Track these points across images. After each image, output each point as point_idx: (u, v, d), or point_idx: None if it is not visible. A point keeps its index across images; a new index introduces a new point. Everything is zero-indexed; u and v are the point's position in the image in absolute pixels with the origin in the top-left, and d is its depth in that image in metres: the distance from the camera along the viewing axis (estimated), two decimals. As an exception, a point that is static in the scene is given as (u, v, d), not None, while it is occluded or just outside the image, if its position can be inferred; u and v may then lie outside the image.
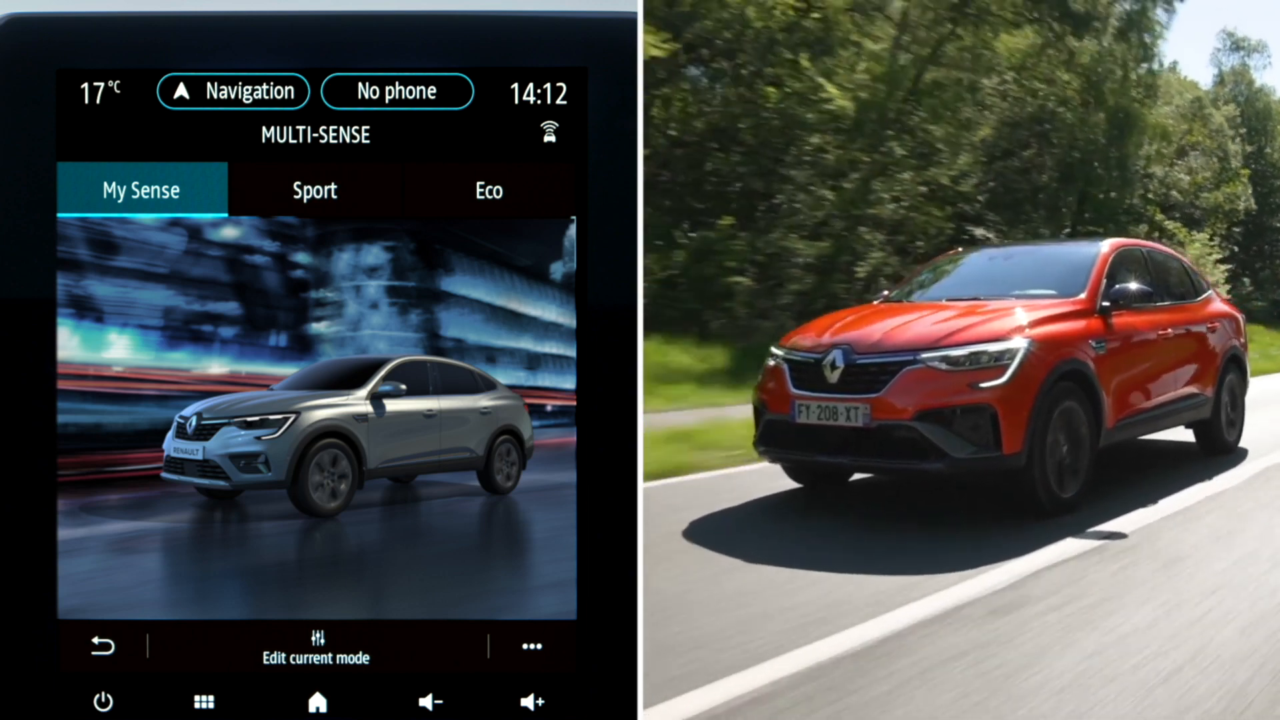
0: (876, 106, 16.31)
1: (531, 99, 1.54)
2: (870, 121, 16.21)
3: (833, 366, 4.65)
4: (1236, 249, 28.29)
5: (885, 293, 6.46)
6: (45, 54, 1.51)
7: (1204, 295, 6.74)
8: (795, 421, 4.67)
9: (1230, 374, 6.62)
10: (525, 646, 1.54)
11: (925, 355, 4.51)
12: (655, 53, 12.12)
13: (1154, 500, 4.97)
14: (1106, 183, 21.76)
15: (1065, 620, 3.06)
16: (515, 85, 1.54)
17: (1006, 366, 4.48)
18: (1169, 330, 5.85)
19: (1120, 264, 5.69)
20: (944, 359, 4.48)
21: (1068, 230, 20.64)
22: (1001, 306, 5.11)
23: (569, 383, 1.54)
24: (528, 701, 1.53)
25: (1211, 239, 25.30)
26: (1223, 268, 24.54)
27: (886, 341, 4.70)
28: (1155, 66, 23.35)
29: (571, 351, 1.54)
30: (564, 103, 1.54)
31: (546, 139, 1.54)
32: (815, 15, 15.71)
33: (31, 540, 1.50)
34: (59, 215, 1.52)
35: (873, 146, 16.36)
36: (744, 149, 15.63)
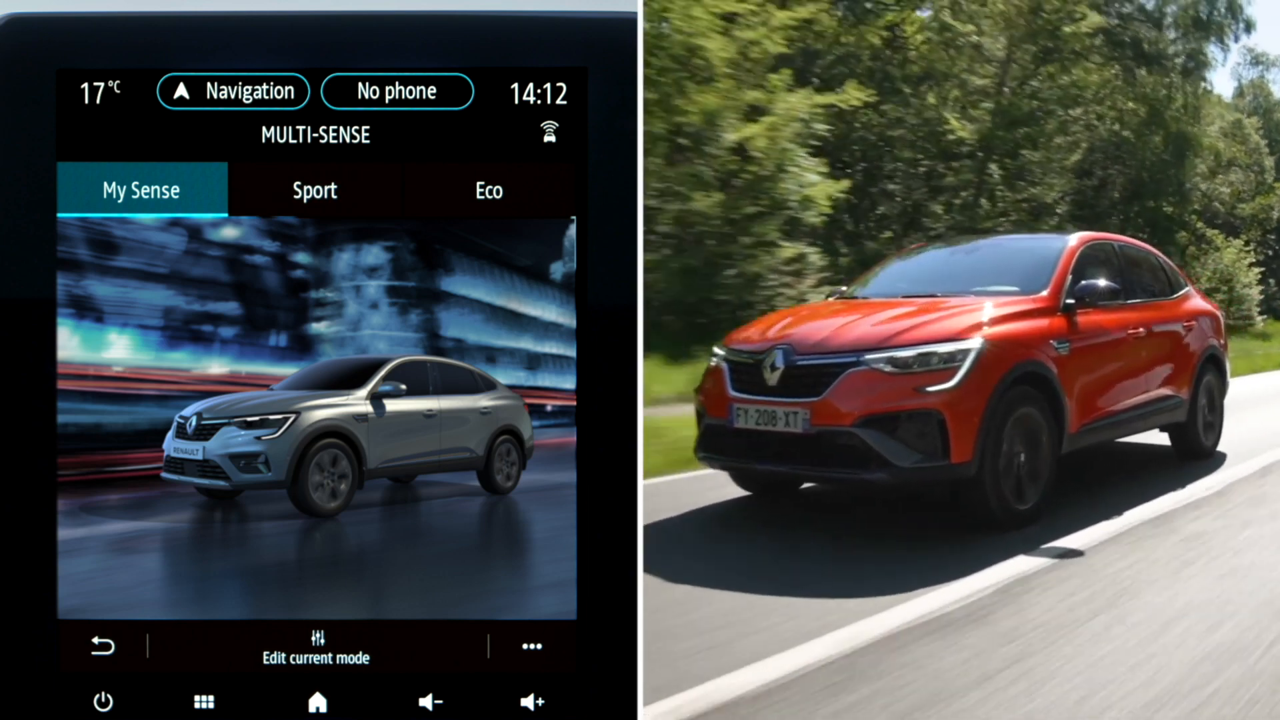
0: (987, 134, 19.97)
1: (531, 99, 1.54)
2: (980, 146, 19.96)
3: (772, 367, 4.32)
4: (1271, 254, 30.26)
5: (842, 288, 6.09)
6: (45, 54, 1.51)
7: (1180, 292, 6.36)
8: (733, 426, 4.36)
9: (1208, 375, 6.25)
10: (525, 646, 1.54)
11: (869, 356, 4.19)
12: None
13: (1119, 511, 4.63)
14: (1165, 197, 24.97)
15: (986, 660, 2.75)
16: (515, 85, 1.54)
17: (957, 369, 4.14)
18: (1140, 329, 5.49)
19: (1088, 259, 5.34)
20: (889, 360, 4.17)
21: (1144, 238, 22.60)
22: (957, 304, 4.76)
23: (569, 383, 1.54)
24: (528, 701, 1.53)
25: (1246, 244, 26.90)
26: (1255, 271, 25.97)
27: (829, 341, 4.38)
28: (1200, 91, 26.81)
29: (571, 351, 1.54)
30: (564, 103, 1.54)
31: (546, 139, 1.54)
32: (914, 51, 19.17)
33: (31, 540, 1.50)
34: (59, 215, 1.52)
35: (980, 169, 20.20)
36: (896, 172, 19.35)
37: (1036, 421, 4.48)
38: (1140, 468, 5.99)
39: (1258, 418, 8.61)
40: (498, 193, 1.55)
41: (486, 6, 1.56)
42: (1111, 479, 5.58)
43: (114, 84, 1.52)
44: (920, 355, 4.18)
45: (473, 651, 1.54)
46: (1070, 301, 4.92)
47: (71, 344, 1.54)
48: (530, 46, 1.54)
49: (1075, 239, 5.41)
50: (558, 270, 1.56)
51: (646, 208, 9.46)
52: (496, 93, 1.53)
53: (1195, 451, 6.14)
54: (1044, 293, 4.90)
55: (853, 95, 13.47)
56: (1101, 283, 5.12)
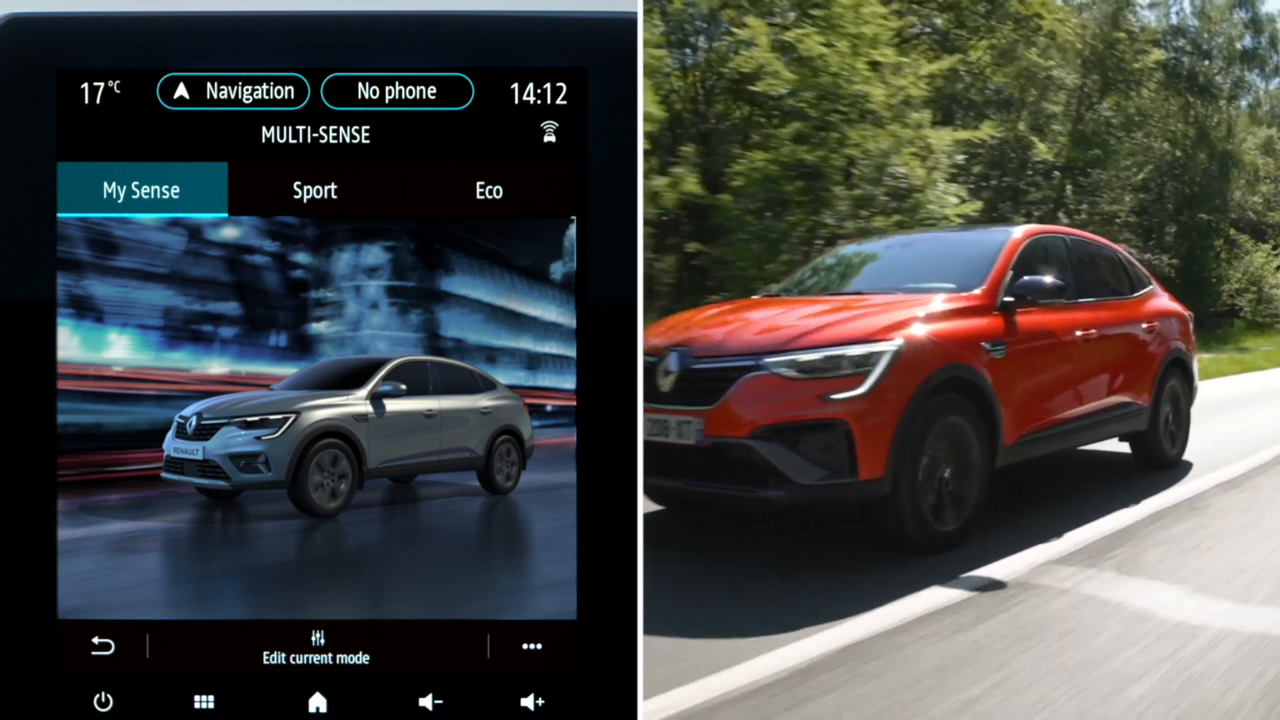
0: (1063, 154, 23.49)
1: (531, 99, 1.54)
2: (1057, 165, 23.75)
3: (665, 372, 3.90)
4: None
5: (770, 286, 5.69)
6: (45, 54, 1.51)
7: (1143, 291, 5.92)
8: None
9: (1172, 380, 5.81)
10: (525, 646, 1.54)
11: (770, 360, 3.74)
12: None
13: (1059, 532, 4.19)
14: (1209, 209, 27.97)
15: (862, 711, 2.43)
16: (515, 85, 1.53)
17: (868, 374, 3.70)
18: (1092, 330, 5.06)
19: (1034, 254, 4.90)
20: (792, 364, 3.73)
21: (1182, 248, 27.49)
22: (880, 302, 4.33)
23: (569, 383, 1.54)
24: (528, 701, 1.53)
25: (1275, 249, 29.17)
26: (1281, 273, 29.42)
27: (727, 343, 3.95)
28: (1234, 110, 30.57)
29: (571, 351, 1.54)
30: (564, 103, 1.53)
31: (546, 139, 1.54)
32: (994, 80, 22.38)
33: (31, 540, 1.50)
34: (59, 215, 1.52)
35: (1060, 186, 24.01)
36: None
37: (964, 433, 4.04)
38: (1093, 479, 5.62)
39: (1259, 416, 8.60)
40: (498, 193, 1.54)
41: (486, 6, 1.56)
42: (1058, 493, 5.19)
43: (114, 84, 1.52)
44: (828, 359, 3.74)
45: (473, 651, 1.54)
46: (1009, 300, 4.47)
47: (71, 344, 1.54)
48: (530, 46, 1.54)
49: (1020, 231, 4.99)
50: (558, 270, 1.56)
51: (834, 228, 12.24)
52: (496, 93, 1.53)
53: (1158, 461, 5.74)
54: (979, 290, 4.45)
55: (986, 131, 16.00)
56: (1047, 280, 4.68)
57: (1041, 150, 23.12)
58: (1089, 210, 24.67)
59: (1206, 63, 28.30)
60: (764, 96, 13.47)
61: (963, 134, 14.62)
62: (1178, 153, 27.86)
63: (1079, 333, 4.98)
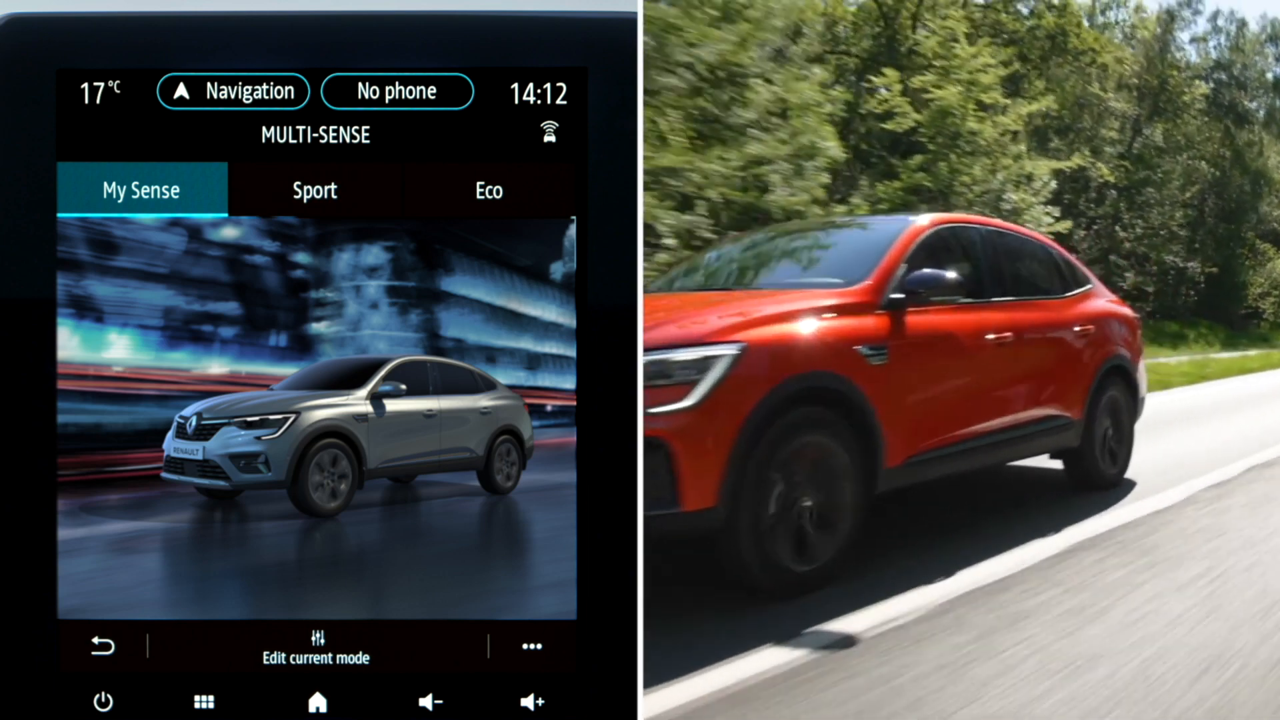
0: (1123, 177, 27.64)
1: (531, 99, 1.54)
2: (1114, 185, 27.60)
3: None
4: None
5: (656, 283, 4.87)
6: (45, 54, 1.51)
7: (1079, 290, 5.22)
8: None
9: (1111, 390, 5.10)
10: (525, 646, 1.54)
11: None
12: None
13: (950, 572, 3.44)
14: (1242, 221, 32.03)
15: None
16: (515, 85, 1.53)
17: (696, 383, 3.04)
18: (1008, 333, 4.32)
19: (936, 246, 4.19)
20: None
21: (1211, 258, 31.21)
22: (732, 297, 3.78)
23: (569, 383, 1.54)
24: (528, 701, 1.53)
25: None
26: (1302, 279, 33.55)
27: None
28: (1267, 133, 35.18)
29: (571, 351, 1.54)
30: (564, 103, 1.53)
31: (546, 139, 1.54)
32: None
33: (31, 540, 1.50)
34: (59, 215, 1.52)
35: (1117, 204, 27.89)
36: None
37: (830, 454, 3.36)
38: (1026, 501, 4.87)
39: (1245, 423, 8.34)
40: (498, 193, 1.54)
41: (486, 6, 1.56)
42: (973, 520, 4.39)
43: (114, 84, 1.52)
44: (655, 364, 3.07)
45: (473, 651, 1.54)
46: (897, 297, 3.75)
47: (71, 344, 1.54)
48: (530, 46, 1.54)
49: (926, 220, 4.30)
50: (558, 270, 1.56)
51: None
52: (496, 93, 1.53)
53: (1093, 481, 5.02)
54: (862, 285, 3.75)
55: (1075, 161, 19.65)
56: (948, 274, 3.95)
57: (1104, 172, 26.67)
58: (1143, 225, 28.63)
59: (1242, 92, 33.00)
60: (891, 132, 16.28)
61: (1056, 164, 17.58)
62: (1217, 172, 32.11)
63: (992, 336, 4.22)
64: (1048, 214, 15.81)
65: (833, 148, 9.39)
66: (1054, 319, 4.85)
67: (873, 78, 18.23)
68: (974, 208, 15.30)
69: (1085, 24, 28.50)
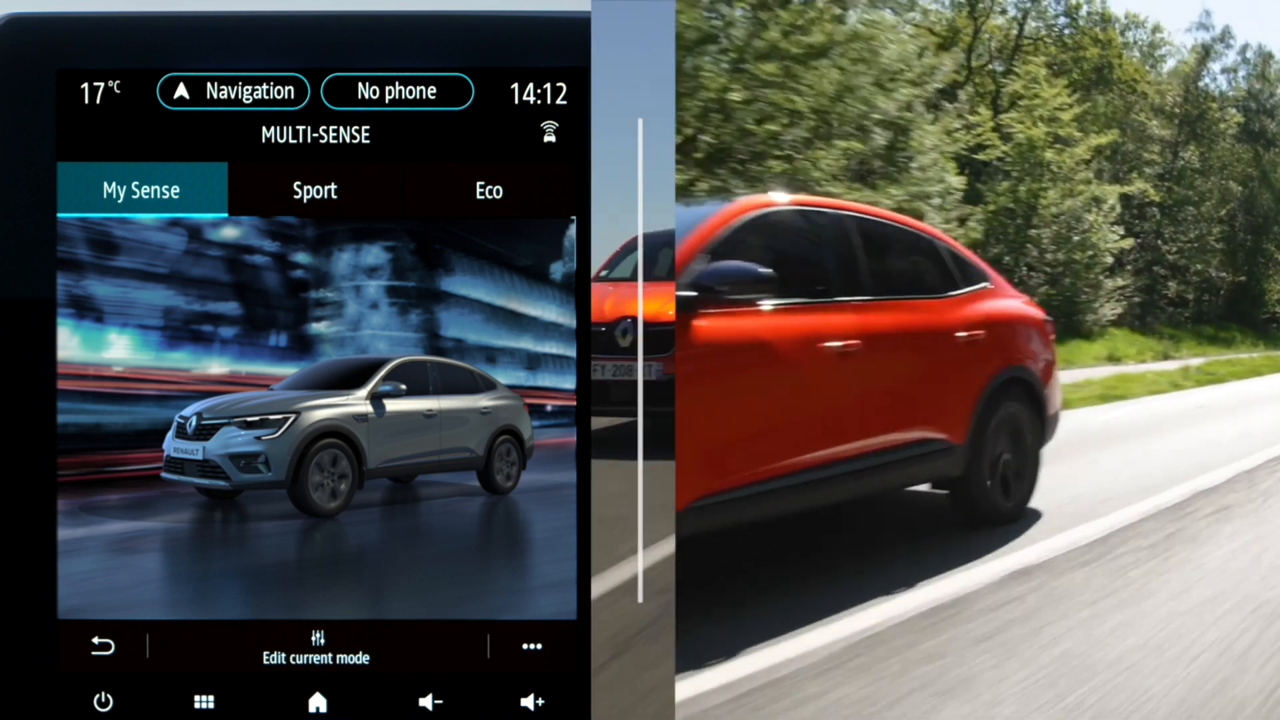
0: (1168, 196, 30.85)
1: (531, 99, 1.54)
2: (1156, 203, 30.27)
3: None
4: (1331, 271, 41.53)
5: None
6: (45, 54, 1.51)
7: (971, 289, 4.26)
8: None
9: (1007, 408, 4.18)
10: (525, 646, 1.54)
11: None
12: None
13: (734, 651, 2.49)
14: (1266, 234, 35.24)
15: None
16: (515, 85, 1.54)
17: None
18: (855, 341, 3.44)
19: (756, 231, 3.40)
20: None
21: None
22: None
23: (569, 383, 1.54)
24: (528, 701, 1.53)
25: None
26: (1314, 283, 37.15)
27: None
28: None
29: (571, 351, 1.54)
30: (564, 103, 1.53)
31: (546, 139, 1.54)
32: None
33: (31, 540, 1.50)
34: (59, 215, 1.52)
35: (1158, 220, 30.72)
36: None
37: None
38: (908, 539, 3.90)
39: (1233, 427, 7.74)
40: (498, 193, 1.55)
41: (486, 6, 1.56)
42: (826, 564, 3.47)
43: (114, 84, 1.52)
44: None
45: (473, 651, 1.54)
46: (688, 295, 3.03)
47: (71, 344, 1.54)
48: (530, 46, 1.54)
49: (741, 203, 3.46)
50: (558, 270, 1.56)
51: (1035, 259, 20.60)
52: (496, 93, 1.53)
53: (982, 516, 4.11)
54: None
55: (1135, 185, 24.49)
56: (759, 268, 3.16)
57: (1151, 193, 29.98)
58: (1183, 239, 32.22)
59: (1269, 119, 36.54)
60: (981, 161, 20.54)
61: (1121, 188, 21.60)
62: (1246, 191, 35.94)
63: (836, 343, 3.39)
64: (1113, 231, 19.48)
65: (956, 182, 13.42)
66: (927, 322, 3.93)
67: (967, 115, 21.98)
68: (1050, 227, 19.73)
69: (1124, 55, 32.68)
